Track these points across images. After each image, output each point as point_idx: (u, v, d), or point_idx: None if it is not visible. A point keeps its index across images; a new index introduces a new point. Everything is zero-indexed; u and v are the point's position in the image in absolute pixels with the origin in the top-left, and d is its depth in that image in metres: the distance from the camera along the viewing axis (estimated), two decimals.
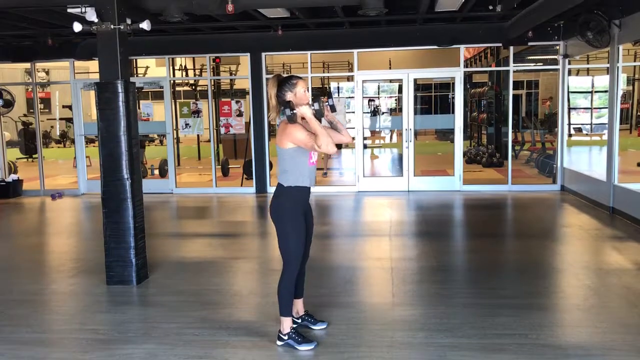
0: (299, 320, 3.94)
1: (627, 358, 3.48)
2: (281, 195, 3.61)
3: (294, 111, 3.44)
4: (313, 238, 3.91)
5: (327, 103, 3.62)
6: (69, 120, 15.83)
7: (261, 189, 10.18)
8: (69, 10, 5.09)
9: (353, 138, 9.75)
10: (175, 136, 12.65)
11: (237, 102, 10.54)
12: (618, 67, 7.56)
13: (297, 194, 3.59)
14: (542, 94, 21.56)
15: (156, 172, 12.02)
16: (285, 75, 3.69)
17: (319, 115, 3.48)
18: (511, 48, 9.62)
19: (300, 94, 3.56)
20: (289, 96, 3.55)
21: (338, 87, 23.38)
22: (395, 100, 21.04)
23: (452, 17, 8.76)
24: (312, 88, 10.39)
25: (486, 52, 14.57)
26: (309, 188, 3.66)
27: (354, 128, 10.12)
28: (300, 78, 3.63)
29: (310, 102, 3.50)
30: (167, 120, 10.53)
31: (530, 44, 9.55)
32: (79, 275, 5.49)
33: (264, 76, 10.05)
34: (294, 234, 3.58)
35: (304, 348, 3.64)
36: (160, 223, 8.10)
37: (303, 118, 3.50)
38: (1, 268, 5.90)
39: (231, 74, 16.89)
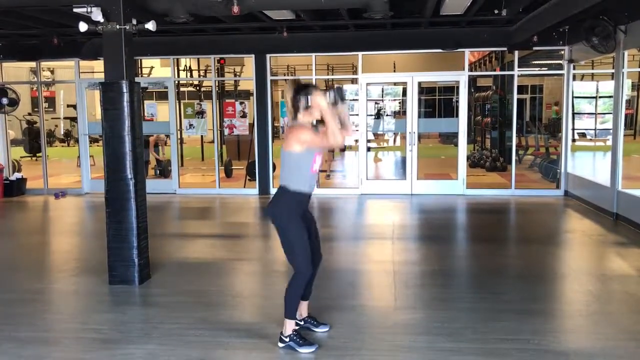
0: (302, 323, 3.93)
1: None
2: (282, 199, 3.61)
3: (309, 99, 3.50)
4: None
5: (337, 95, 3.59)
6: (73, 119, 15.88)
7: (264, 190, 10.17)
8: (74, 10, 5.09)
9: (356, 141, 9.78)
10: (179, 137, 12.67)
11: (241, 103, 10.55)
12: (623, 72, 7.55)
13: (298, 198, 3.60)
14: (546, 99, 21.55)
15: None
16: (303, 82, 3.68)
17: (332, 105, 3.54)
18: (516, 52, 9.61)
19: (314, 104, 3.56)
20: (303, 104, 3.56)
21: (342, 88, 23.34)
22: (399, 103, 21.05)
23: (457, 21, 8.75)
24: None
25: (491, 56, 14.57)
26: (309, 195, 3.68)
27: (357, 131, 10.12)
28: (317, 88, 3.62)
29: (327, 93, 3.53)
30: (171, 121, 10.54)
31: (535, 48, 9.53)
32: (81, 275, 5.50)
33: (269, 78, 10.06)
34: (298, 240, 3.57)
35: (305, 350, 3.63)
36: (163, 223, 8.11)
37: (320, 122, 3.52)
38: (4, 267, 5.91)
39: (235, 75, 16.92)
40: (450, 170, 10.91)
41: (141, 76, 14.76)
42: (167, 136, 11.20)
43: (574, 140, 13.96)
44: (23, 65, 15.32)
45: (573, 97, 10.25)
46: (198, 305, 4.56)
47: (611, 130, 8.17)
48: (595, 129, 20.30)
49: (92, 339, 3.94)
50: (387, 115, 19.34)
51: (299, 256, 3.59)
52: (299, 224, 3.60)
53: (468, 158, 11.22)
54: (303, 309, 3.96)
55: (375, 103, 18.55)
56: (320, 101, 3.51)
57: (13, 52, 10.33)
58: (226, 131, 10.77)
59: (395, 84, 19.36)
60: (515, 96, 9.99)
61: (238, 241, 7.02)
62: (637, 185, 9.01)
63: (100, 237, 6.15)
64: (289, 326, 3.69)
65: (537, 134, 13.77)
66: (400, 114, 18.84)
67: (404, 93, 10.58)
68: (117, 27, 4.92)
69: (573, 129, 14.74)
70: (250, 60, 10.21)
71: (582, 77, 18.98)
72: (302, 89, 3.59)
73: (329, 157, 12.40)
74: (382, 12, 6.21)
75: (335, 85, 3.66)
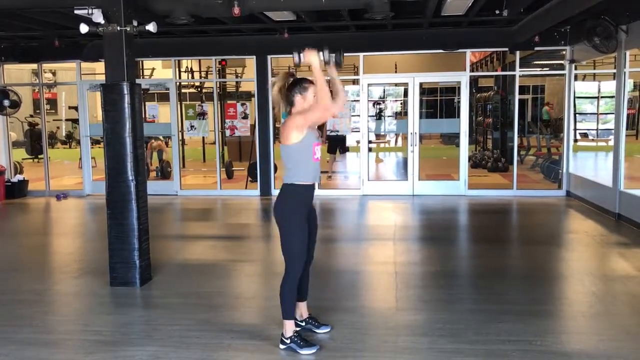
0: (303, 324, 3.93)
1: None
2: (286, 193, 3.60)
3: (301, 55, 3.45)
4: (317, 241, 3.91)
5: (332, 57, 3.55)
6: (75, 121, 15.90)
7: (265, 191, 10.17)
8: (76, 11, 5.09)
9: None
10: (180, 138, 12.67)
11: (242, 104, 10.54)
12: (625, 72, 7.53)
13: (301, 191, 3.59)
14: (547, 99, 21.54)
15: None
16: (298, 76, 3.65)
17: (325, 63, 3.49)
18: (517, 53, 9.59)
19: (309, 99, 3.55)
20: (298, 99, 3.56)
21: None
22: (401, 104, 21.03)
23: (458, 21, 8.74)
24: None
25: (492, 57, 14.56)
26: (314, 186, 3.66)
27: (359, 131, 10.11)
28: (312, 82, 3.56)
29: (321, 52, 3.49)
30: (173, 122, 10.55)
31: (536, 48, 9.51)
32: (82, 276, 5.50)
33: (270, 79, 10.05)
34: (298, 234, 3.57)
35: (306, 352, 3.63)
36: (165, 225, 8.10)
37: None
38: (5, 268, 5.91)
39: (237, 77, 16.91)
40: (452, 171, 10.89)
41: (142, 78, 14.76)
42: (169, 137, 11.20)
43: (575, 140, 13.92)
44: (25, 67, 15.33)
45: (575, 97, 10.23)
46: (199, 307, 4.55)
47: (613, 131, 8.15)
48: (597, 129, 20.27)
49: (93, 340, 3.94)
50: (388, 115, 19.34)
51: (295, 249, 3.58)
52: (302, 221, 3.59)
53: (470, 159, 11.20)
54: (303, 310, 3.96)
55: (375, 104, 18.51)
56: (312, 57, 3.44)
57: (14, 54, 10.34)
58: (227, 132, 10.76)
59: (396, 84, 19.34)
60: (517, 96, 9.97)
61: (239, 242, 7.01)
62: (639, 186, 8.99)
63: (101, 239, 6.14)
64: (289, 327, 3.68)
65: (538, 135, 13.75)
66: (402, 114, 18.83)
67: (406, 94, 10.56)
68: (118, 28, 4.91)
69: (575, 129, 14.71)
70: (251, 62, 10.21)
71: (584, 77, 18.95)
72: (298, 83, 3.57)
73: (331, 158, 12.39)
74: (383, 13, 6.20)
75: (337, 50, 3.58)
